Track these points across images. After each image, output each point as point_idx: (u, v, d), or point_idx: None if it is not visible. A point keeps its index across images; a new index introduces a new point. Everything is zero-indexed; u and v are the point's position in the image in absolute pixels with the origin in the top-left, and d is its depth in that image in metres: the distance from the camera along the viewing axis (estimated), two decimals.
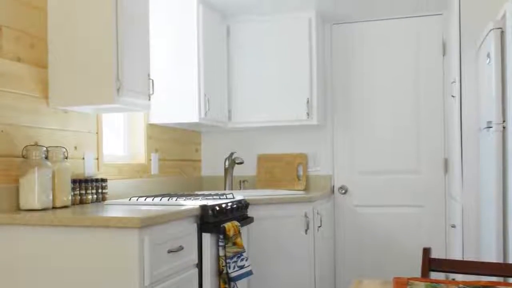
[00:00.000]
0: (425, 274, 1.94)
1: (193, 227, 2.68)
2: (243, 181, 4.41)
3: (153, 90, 3.06)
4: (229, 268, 2.82)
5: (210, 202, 2.85)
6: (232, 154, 4.27)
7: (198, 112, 3.67)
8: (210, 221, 2.75)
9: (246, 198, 3.36)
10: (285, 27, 4.08)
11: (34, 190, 2.51)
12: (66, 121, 2.91)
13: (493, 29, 2.48)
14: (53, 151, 2.67)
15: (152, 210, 2.51)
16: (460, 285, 1.57)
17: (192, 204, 2.79)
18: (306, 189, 4.32)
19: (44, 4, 2.77)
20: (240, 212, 3.14)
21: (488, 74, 2.58)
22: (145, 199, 2.96)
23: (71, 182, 2.78)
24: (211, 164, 4.55)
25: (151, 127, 3.76)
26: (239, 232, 2.93)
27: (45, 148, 2.62)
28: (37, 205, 2.51)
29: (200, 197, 3.12)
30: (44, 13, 2.77)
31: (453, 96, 3.46)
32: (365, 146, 4.31)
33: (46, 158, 2.62)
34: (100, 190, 3.03)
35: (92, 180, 2.98)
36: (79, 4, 2.74)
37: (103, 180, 3.07)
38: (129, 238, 2.20)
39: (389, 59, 4.27)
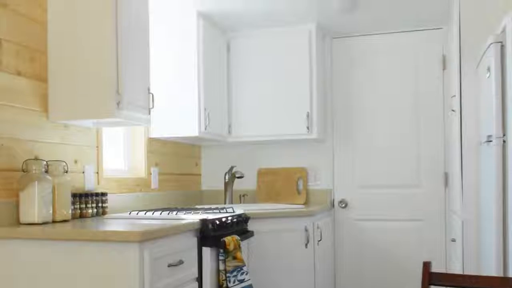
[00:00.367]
0: None
1: (193, 241, 2.67)
2: (243, 195, 4.41)
3: (153, 104, 3.06)
4: (229, 282, 2.80)
5: (210, 216, 2.84)
6: (232, 168, 4.26)
7: (198, 126, 3.67)
8: (210, 235, 2.74)
9: (246, 212, 3.35)
10: (285, 41, 4.10)
11: (34, 204, 2.50)
12: (66, 135, 2.90)
13: (493, 43, 2.48)
14: (53, 165, 2.67)
15: (152, 224, 2.50)
16: None
17: (192, 218, 2.78)
18: (306, 203, 4.30)
19: (44, 18, 2.78)
20: (240, 226, 3.13)
21: (488, 88, 2.58)
22: (145, 213, 2.96)
23: (71, 196, 2.77)
24: (211, 178, 4.54)
25: (151, 141, 3.76)
26: (239, 246, 2.92)
27: (45, 162, 2.62)
28: (37, 219, 2.50)
29: (200, 211, 3.11)
30: (44, 26, 2.78)
31: (453, 110, 3.47)
32: (365, 160, 4.31)
33: (46, 172, 2.62)
34: (100, 204, 3.02)
35: (92, 194, 2.97)
36: (79, 18, 2.75)
37: (103, 194, 3.06)
38: (129, 252, 2.19)
39: (389, 74, 4.28)
